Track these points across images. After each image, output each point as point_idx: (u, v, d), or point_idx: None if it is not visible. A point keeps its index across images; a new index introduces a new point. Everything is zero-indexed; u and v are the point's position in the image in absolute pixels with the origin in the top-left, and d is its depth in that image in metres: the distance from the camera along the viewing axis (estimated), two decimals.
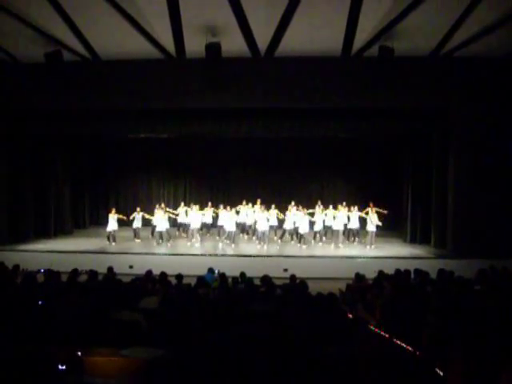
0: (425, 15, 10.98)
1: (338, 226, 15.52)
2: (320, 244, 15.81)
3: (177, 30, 11.94)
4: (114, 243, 15.50)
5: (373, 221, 15.31)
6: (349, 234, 16.26)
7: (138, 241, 16.03)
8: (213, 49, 11.89)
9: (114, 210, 16.06)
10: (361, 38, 12.24)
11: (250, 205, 16.71)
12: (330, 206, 16.25)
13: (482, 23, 11.35)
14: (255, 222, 15.95)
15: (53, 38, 12.33)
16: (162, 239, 15.61)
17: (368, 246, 15.21)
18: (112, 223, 15.61)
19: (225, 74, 12.75)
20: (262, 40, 12.53)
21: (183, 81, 13.78)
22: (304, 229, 15.16)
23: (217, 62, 12.21)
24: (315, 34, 12.14)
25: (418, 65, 13.50)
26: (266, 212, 15.59)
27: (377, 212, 15.59)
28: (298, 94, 13.68)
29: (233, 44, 12.39)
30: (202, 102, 13.89)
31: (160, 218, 15.64)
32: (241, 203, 16.80)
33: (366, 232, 15.52)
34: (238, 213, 16.29)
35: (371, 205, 15.83)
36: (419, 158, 16.09)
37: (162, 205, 16.78)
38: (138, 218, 16.16)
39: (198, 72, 13.19)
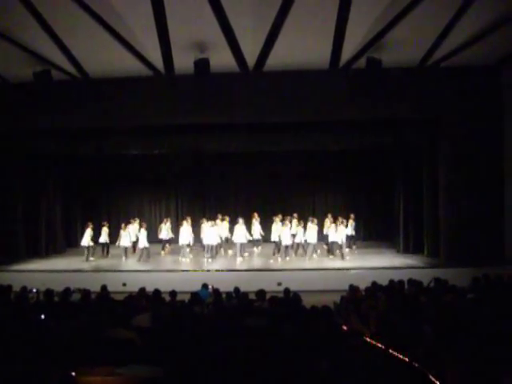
0: (411, 26, 11.08)
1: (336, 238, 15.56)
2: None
3: (165, 46, 12.00)
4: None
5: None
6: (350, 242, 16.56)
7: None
8: (201, 65, 11.94)
9: (123, 225, 16.24)
10: (348, 50, 12.34)
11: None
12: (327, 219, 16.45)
13: (468, 32, 11.49)
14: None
15: (42, 58, 12.35)
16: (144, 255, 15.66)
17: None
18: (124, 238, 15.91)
19: (214, 89, 12.82)
20: (251, 55, 12.61)
21: (173, 97, 13.85)
22: (313, 239, 15.27)
23: (206, 78, 12.26)
24: (303, 47, 12.23)
25: (405, 76, 13.63)
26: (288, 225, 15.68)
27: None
28: (288, 108, 13.75)
29: (221, 60, 12.43)
30: (192, 118, 13.91)
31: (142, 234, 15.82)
32: (232, 217, 16.81)
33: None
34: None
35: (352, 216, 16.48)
36: (410, 168, 16.14)
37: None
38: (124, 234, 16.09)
39: (187, 88, 13.26)
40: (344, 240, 15.55)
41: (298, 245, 15.91)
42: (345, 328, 6.49)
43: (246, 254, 15.95)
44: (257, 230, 16.39)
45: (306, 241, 15.45)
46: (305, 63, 13.11)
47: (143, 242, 15.58)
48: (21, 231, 16.01)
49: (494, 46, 12.20)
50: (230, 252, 16.10)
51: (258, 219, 16.61)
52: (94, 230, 16.12)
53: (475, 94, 13.64)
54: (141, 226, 16.09)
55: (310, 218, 15.76)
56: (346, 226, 16.12)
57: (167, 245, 17.18)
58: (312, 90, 13.71)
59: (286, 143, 15.25)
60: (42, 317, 6.68)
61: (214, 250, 15.60)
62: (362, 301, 8.17)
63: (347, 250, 16.11)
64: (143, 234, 15.72)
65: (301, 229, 15.62)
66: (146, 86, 13.91)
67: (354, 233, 16.78)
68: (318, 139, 15.03)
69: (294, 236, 15.73)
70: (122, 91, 13.90)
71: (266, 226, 16.55)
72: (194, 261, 15.32)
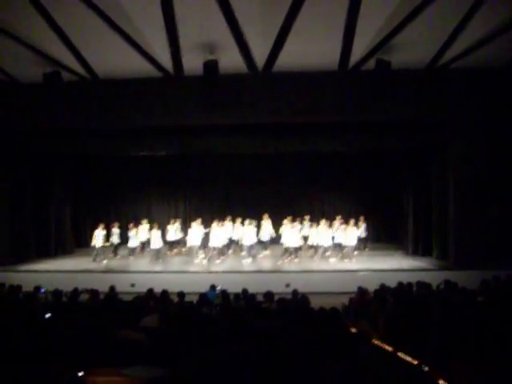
0: (420, 28, 11.03)
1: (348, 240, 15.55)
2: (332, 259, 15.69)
3: (174, 48, 12.02)
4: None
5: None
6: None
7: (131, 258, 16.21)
8: (210, 66, 11.95)
9: (131, 225, 16.45)
10: (357, 52, 12.30)
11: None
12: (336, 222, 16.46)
13: (478, 34, 11.41)
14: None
15: (51, 59, 12.41)
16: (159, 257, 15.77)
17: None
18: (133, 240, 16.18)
19: (223, 90, 12.77)
20: (260, 56, 12.60)
21: (182, 98, 13.84)
22: (327, 242, 15.37)
23: (215, 80, 12.25)
24: (312, 49, 12.19)
25: (415, 77, 13.52)
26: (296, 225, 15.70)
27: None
28: (296, 110, 13.70)
29: (230, 61, 12.43)
30: (201, 119, 13.90)
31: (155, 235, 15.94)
32: (241, 219, 16.79)
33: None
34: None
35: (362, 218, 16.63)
36: (419, 171, 16.10)
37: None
38: (131, 235, 16.26)
39: (196, 89, 13.23)
40: (355, 242, 15.50)
41: (310, 246, 15.88)
42: (353, 330, 6.46)
43: (261, 255, 15.98)
44: (266, 231, 16.36)
45: (318, 243, 15.46)
46: (314, 65, 13.06)
47: (155, 243, 15.63)
48: (30, 232, 16.12)
49: (505, 47, 12.10)
50: (243, 253, 16.03)
51: (269, 220, 16.58)
52: (104, 229, 16.17)
53: (486, 95, 13.52)
54: (152, 227, 16.15)
55: (323, 221, 15.78)
56: (357, 227, 16.08)
57: (179, 247, 17.23)
58: (321, 92, 13.66)
59: (295, 145, 15.23)
60: (47, 315, 6.70)
61: (220, 252, 15.58)
62: (370, 303, 8.14)
63: (355, 252, 16.03)
64: (156, 234, 15.79)
65: (314, 230, 15.61)
66: (154, 87, 13.92)
67: (364, 235, 16.73)
68: (326, 141, 15.01)
69: (305, 238, 15.74)
70: (131, 92, 13.91)
71: (276, 227, 16.53)
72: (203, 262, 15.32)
